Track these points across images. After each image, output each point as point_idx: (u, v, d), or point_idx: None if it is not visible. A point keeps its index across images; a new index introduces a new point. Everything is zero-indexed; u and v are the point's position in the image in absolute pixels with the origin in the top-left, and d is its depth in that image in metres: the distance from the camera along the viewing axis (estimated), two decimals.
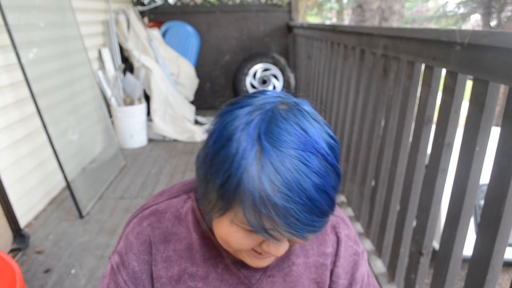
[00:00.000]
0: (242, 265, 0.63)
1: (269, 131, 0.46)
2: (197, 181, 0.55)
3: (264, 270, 0.64)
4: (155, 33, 4.45)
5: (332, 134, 0.50)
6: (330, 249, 0.66)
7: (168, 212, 0.64)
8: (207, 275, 0.63)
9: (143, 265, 0.62)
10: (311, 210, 0.45)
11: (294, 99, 0.52)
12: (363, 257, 0.69)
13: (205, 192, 0.52)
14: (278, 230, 0.46)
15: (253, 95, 0.52)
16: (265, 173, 0.44)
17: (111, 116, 3.60)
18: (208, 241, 0.62)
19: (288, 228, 0.45)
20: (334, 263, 0.67)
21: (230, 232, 0.52)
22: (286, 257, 0.65)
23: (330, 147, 0.48)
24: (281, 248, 0.52)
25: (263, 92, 0.53)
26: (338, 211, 0.69)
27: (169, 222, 0.63)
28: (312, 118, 0.49)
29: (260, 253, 0.54)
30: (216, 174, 0.48)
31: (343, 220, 0.68)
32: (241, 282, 0.63)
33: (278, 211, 0.44)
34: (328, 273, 0.67)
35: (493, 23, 8.98)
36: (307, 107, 0.51)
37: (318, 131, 0.48)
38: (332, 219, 0.67)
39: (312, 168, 0.45)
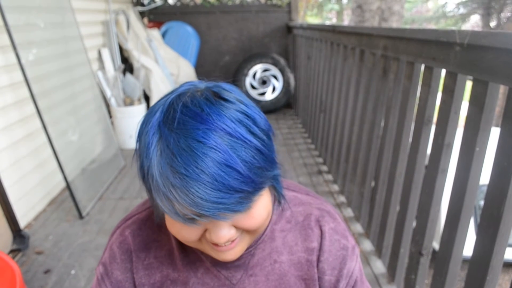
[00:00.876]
0: (222, 266, 0.63)
1: (166, 118, 0.47)
2: None
3: (245, 269, 0.63)
4: (155, 33, 4.45)
5: (246, 110, 0.48)
6: (315, 244, 0.64)
7: (150, 220, 0.65)
8: (188, 280, 0.63)
9: (125, 274, 0.63)
10: (214, 186, 0.43)
11: (209, 84, 0.51)
12: (353, 252, 0.65)
13: (147, 191, 0.52)
14: (187, 212, 0.45)
15: (171, 91, 0.52)
16: (164, 157, 0.44)
17: (110, 117, 3.60)
18: (187, 245, 0.61)
19: (196, 208, 0.44)
20: (318, 258, 0.64)
21: (170, 225, 0.52)
22: (268, 255, 0.64)
23: (237, 121, 0.46)
24: (221, 235, 0.50)
25: (182, 85, 0.53)
26: (324, 204, 0.67)
27: (150, 230, 0.64)
28: (221, 98, 0.48)
29: (217, 244, 0.52)
30: (139, 170, 0.49)
31: (329, 213, 0.66)
32: (222, 284, 0.63)
33: (181, 192, 0.44)
34: (315, 270, 0.64)
35: (492, 23, 9.00)
36: (217, 89, 0.50)
37: (222, 108, 0.46)
38: (316, 213, 0.65)
39: (209, 143, 0.44)
